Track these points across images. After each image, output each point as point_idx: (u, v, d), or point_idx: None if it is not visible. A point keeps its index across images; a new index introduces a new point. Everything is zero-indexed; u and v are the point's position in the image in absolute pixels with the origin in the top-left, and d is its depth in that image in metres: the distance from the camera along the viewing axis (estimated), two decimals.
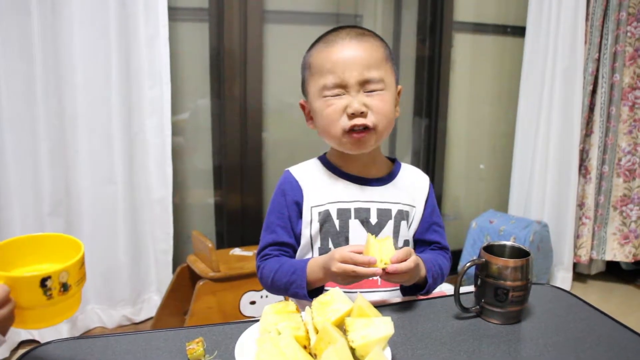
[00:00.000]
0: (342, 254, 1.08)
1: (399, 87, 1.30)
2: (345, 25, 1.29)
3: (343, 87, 1.19)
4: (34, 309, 0.81)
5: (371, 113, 1.19)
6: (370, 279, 1.23)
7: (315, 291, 1.19)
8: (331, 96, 1.20)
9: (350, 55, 1.19)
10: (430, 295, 1.24)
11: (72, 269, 0.82)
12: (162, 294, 2.60)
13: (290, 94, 2.95)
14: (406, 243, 1.29)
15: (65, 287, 0.81)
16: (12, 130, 2.28)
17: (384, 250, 1.06)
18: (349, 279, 1.09)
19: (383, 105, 1.20)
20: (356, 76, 1.18)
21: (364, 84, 1.19)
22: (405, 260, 1.07)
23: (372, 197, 1.26)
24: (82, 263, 0.85)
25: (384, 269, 1.05)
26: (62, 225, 2.41)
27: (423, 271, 1.19)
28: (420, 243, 1.33)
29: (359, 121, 1.18)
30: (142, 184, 2.55)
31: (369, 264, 1.05)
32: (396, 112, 1.28)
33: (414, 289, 1.22)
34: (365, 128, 1.19)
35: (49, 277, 0.79)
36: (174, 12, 2.54)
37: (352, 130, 1.19)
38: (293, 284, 1.18)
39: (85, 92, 2.37)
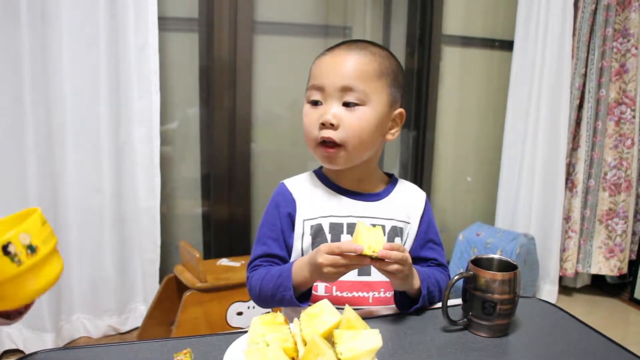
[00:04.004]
0: (328, 244, 1.07)
1: (400, 110, 1.26)
2: (358, 39, 1.28)
3: (323, 92, 1.17)
4: (9, 280, 0.78)
5: (342, 128, 1.17)
6: (362, 295, 1.22)
7: (303, 296, 1.17)
8: (311, 103, 1.20)
9: (335, 63, 1.18)
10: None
11: (32, 229, 0.79)
12: (148, 304, 2.59)
13: (280, 105, 2.96)
14: None
15: (32, 249, 0.79)
16: (0, 139, 2.27)
17: (373, 239, 1.04)
18: (337, 269, 1.06)
19: (357, 122, 1.17)
20: (336, 84, 1.16)
21: (342, 91, 1.16)
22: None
23: (366, 213, 1.24)
24: (42, 221, 0.82)
25: (372, 258, 1.04)
26: None
27: (417, 280, 1.16)
28: (416, 260, 1.26)
29: (326, 134, 1.16)
30: (130, 194, 2.54)
31: (355, 252, 1.02)
32: (390, 135, 1.26)
33: (408, 303, 1.19)
34: (335, 144, 1.17)
35: (9, 243, 0.76)
36: (163, 22, 2.54)
37: (323, 143, 1.18)
38: (280, 287, 1.15)
39: (74, 101, 2.37)
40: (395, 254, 1.05)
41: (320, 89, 1.18)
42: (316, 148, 1.21)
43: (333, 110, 1.16)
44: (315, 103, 1.19)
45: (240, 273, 2.45)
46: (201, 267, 2.31)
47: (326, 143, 1.18)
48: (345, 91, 1.16)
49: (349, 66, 1.17)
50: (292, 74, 2.86)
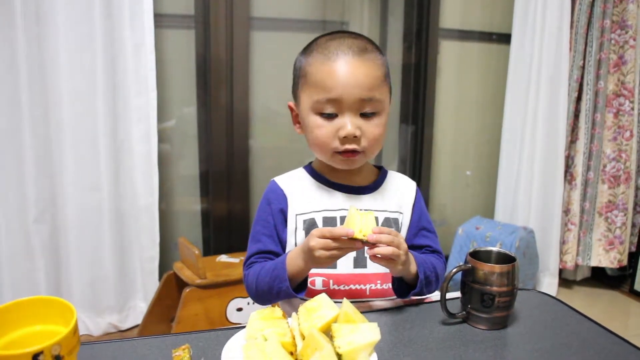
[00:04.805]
0: (320, 229, 1.08)
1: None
2: (345, 32, 1.24)
3: (339, 104, 1.15)
4: None
5: (364, 138, 1.17)
6: (359, 287, 1.22)
7: (299, 287, 1.17)
8: (325, 115, 1.17)
9: (351, 73, 1.15)
10: (417, 301, 1.23)
11: (65, 340, 0.78)
12: (148, 301, 2.59)
13: (277, 101, 2.95)
14: None
15: (57, 359, 0.78)
16: None
17: (364, 223, 1.05)
18: (330, 253, 1.06)
19: (377, 130, 1.19)
20: (355, 96, 1.14)
21: (362, 103, 1.16)
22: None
23: (358, 206, 1.24)
24: (74, 330, 0.81)
25: (363, 241, 1.04)
26: (48, 232, 2.39)
27: (413, 266, 1.17)
28: (410, 248, 1.24)
29: (350, 146, 1.17)
30: (128, 192, 2.53)
31: (346, 235, 1.03)
32: None
33: (406, 289, 1.20)
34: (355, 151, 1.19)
35: (40, 352, 0.75)
36: (159, 19, 2.54)
37: (344, 151, 1.18)
38: (275, 279, 1.15)
39: (71, 100, 2.36)
40: (385, 237, 1.05)
41: (336, 101, 1.16)
42: (333, 156, 1.21)
43: (353, 122, 1.16)
44: (329, 115, 1.18)
45: (240, 269, 2.44)
46: (200, 263, 2.31)
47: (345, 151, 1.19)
48: (364, 102, 1.16)
49: (367, 77, 1.16)
50: (289, 70, 2.84)
